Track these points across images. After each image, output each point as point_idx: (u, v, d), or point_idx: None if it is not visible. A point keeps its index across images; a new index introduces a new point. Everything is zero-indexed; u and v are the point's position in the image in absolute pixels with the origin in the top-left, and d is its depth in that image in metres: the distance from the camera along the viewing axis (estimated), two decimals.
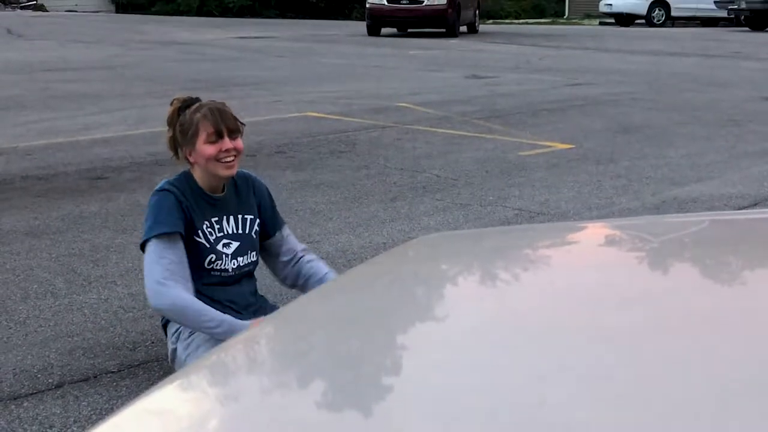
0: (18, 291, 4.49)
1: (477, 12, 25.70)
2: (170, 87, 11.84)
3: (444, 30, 22.95)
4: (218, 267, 3.45)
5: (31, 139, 8.36)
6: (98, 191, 6.48)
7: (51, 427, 3.25)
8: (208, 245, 3.43)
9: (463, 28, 24.35)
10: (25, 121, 9.31)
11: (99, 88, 11.82)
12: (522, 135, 8.72)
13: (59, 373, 3.63)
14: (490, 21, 29.37)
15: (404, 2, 22.52)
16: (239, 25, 26.32)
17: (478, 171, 7.24)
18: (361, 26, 24.18)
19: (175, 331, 3.43)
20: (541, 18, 34.10)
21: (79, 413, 3.33)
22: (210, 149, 3.35)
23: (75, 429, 3.24)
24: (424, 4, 22.42)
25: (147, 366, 3.69)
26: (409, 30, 23.97)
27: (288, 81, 13.02)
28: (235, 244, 3.49)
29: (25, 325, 4.10)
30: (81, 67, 14.32)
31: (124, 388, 3.51)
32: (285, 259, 3.67)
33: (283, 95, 11.45)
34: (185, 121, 3.40)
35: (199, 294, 3.35)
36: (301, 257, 3.67)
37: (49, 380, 3.57)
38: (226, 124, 3.38)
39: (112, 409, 3.33)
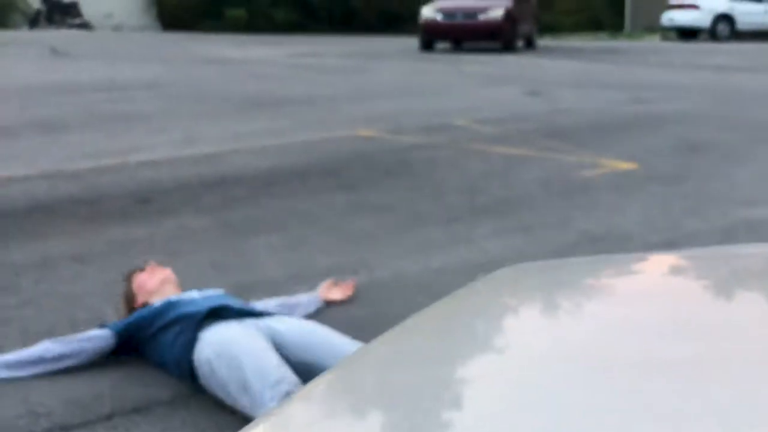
0: (66, 318, 4.37)
1: (534, 26, 25.39)
2: (219, 106, 11.77)
3: (500, 45, 22.69)
4: (186, 297, 3.88)
5: (77, 161, 8.26)
6: (145, 215, 6.37)
7: None
8: (168, 299, 3.90)
9: (520, 43, 24.06)
10: (71, 142, 9.24)
11: (145, 108, 11.73)
12: (584, 154, 8.47)
13: (110, 403, 3.52)
14: (547, 35, 29.03)
15: (459, 16, 22.32)
16: (288, 41, 26.30)
17: (539, 192, 7.02)
18: (413, 41, 24.00)
19: (190, 348, 3.59)
20: (599, 31, 33.67)
21: None
22: (142, 276, 4.11)
23: None
24: (479, 18, 22.19)
25: (200, 397, 3.54)
26: (463, 45, 23.77)
27: (339, 98, 12.87)
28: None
29: None
30: (127, 86, 14.26)
31: (178, 420, 3.39)
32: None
33: (334, 113, 11.30)
34: (125, 291, 4.14)
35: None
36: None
37: (100, 410, 3.46)
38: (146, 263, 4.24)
39: None
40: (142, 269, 4.19)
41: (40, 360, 3.73)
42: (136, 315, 3.88)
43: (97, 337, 3.82)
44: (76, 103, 12.09)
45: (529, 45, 24.80)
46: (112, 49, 22.26)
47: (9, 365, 3.72)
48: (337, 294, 4.57)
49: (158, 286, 4.05)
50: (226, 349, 3.42)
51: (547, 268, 2.08)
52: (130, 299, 4.10)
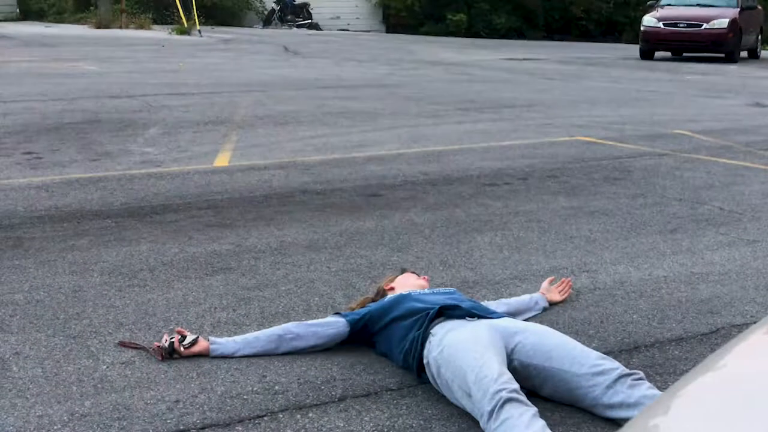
0: (300, 303, 4.60)
1: (759, 37, 24.49)
2: (442, 107, 12.00)
3: (722, 55, 22.02)
4: (417, 293, 4.02)
5: (308, 154, 8.65)
6: (373, 208, 6.59)
7: None
8: (399, 293, 4.05)
9: (743, 54, 23.28)
10: (303, 136, 9.65)
11: (372, 106, 12.10)
12: None
13: (341, 386, 3.67)
14: None
15: (682, 25, 21.81)
16: (506, 46, 26.38)
17: (765, 206, 6.84)
18: (633, 49, 23.61)
19: (421, 344, 3.68)
20: None
21: (362, 428, 3.34)
22: (407, 274, 4.34)
23: None
24: (703, 27, 21.61)
25: (426, 387, 3.66)
26: (683, 54, 23.22)
27: (558, 104, 12.87)
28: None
29: None
30: (354, 85, 14.73)
31: (404, 407, 3.51)
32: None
33: (554, 118, 11.32)
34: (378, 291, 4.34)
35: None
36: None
37: (332, 393, 3.62)
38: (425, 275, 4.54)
39: (393, 426, 3.35)
40: (416, 273, 4.43)
41: (278, 339, 3.94)
42: (368, 307, 4.03)
43: (334, 324, 3.98)
44: (306, 99, 12.61)
45: (753, 56, 23.96)
46: (339, 50, 22.92)
47: (249, 342, 3.94)
48: (558, 296, 4.63)
49: (404, 288, 4.17)
50: (453, 355, 3.46)
51: None
52: (379, 290, 4.30)
